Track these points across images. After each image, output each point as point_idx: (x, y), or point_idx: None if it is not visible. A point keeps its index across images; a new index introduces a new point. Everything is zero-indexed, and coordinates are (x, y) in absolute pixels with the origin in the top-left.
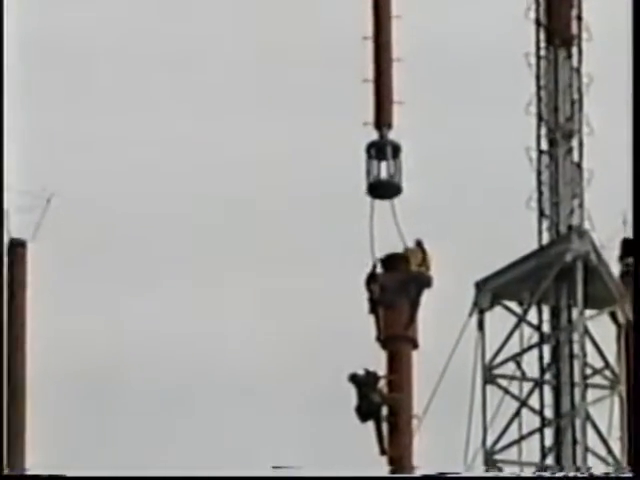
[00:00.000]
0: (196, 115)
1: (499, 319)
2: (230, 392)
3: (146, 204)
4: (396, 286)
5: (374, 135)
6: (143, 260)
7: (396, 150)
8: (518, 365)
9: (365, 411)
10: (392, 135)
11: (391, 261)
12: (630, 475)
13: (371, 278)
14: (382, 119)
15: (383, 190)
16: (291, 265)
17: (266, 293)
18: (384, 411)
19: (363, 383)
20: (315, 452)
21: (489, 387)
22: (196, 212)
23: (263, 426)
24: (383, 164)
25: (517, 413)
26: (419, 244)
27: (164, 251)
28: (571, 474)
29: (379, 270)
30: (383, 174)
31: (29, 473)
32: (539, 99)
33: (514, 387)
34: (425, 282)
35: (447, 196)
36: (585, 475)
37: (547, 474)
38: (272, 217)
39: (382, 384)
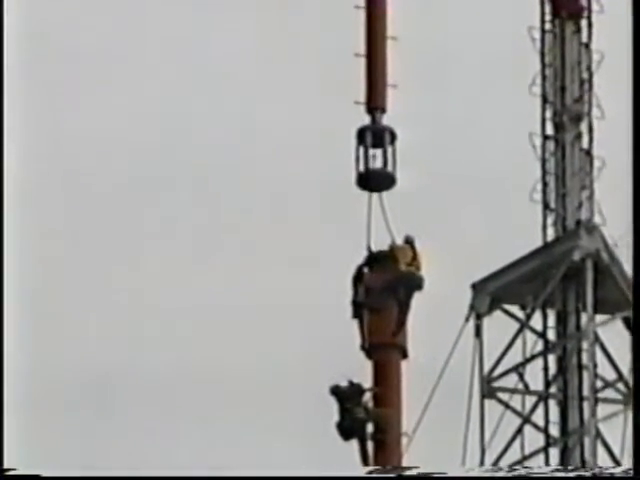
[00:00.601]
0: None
1: (499, 325)
2: (218, 394)
3: (138, 197)
4: (383, 288)
5: (365, 116)
6: (134, 259)
7: (392, 137)
8: (520, 377)
9: (348, 428)
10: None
11: (377, 260)
12: (630, 475)
13: (359, 277)
14: (375, 102)
15: (376, 181)
16: (277, 262)
17: (249, 292)
18: (369, 428)
19: (346, 396)
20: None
21: (488, 401)
22: (188, 201)
23: (253, 427)
24: (375, 152)
25: (519, 431)
26: (409, 241)
27: (155, 248)
28: (571, 474)
29: (365, 271)
30: (376, 163)
31: (29, 473)
32: (544, 78)
33: (516, 401)
34: (416, 283)
35: (440, 188)
36: (586, 475)
37: (546, 474)
38: (259, 209)
39: (367, 398)
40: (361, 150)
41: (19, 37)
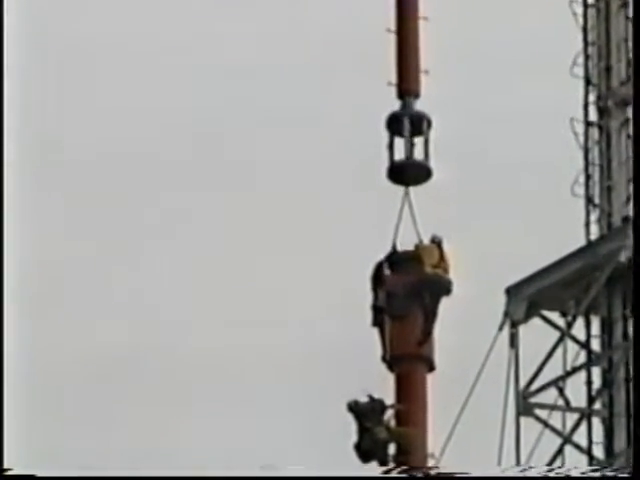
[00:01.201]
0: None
1: (536, 334)
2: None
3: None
4: (406, 292)
5: (392, 100)
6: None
7: (429, 125)
8: (560, 392)
9: (367, 449)
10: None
11: (400, 261)
12: (630, 475)
13: (379, 279)
14: (408, 86)
15: (411, 174)
16: (290, 261)
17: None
18: (391, 450)
19: (365, 414)
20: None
21: (524, 419)
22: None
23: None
24: (401, 141)
25: (559, 452)
26: (435, 241)
27: (160, 245)
28: (572, 474)
29: (386, 272)
30: (411, 154)
31: (29, 473)
32: (587, 58)
33: (555, 419)
34: (443, 287)
35: (473, 181)
36: (586, 475)
37: (549, 474)
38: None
39: (389, 415)
40: (390, 139)
41: (19, 36)
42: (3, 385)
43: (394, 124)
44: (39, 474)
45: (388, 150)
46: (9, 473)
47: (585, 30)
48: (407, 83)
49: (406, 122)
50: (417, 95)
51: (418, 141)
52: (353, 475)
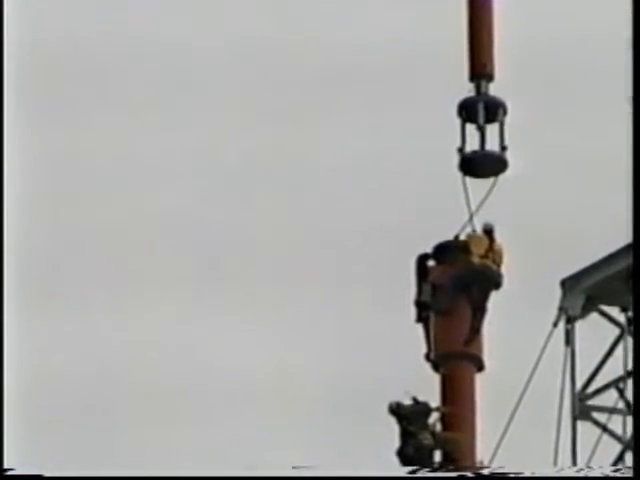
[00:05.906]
0: None
1: (595, 330)
2: (234, 394)
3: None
4: (453, 285)
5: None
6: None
7: (504, 113)
8: (621, 393)
9: (411, 456)
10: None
11: (446, 251)
12: (630, 475)
13: (422, 271)
14: (481, 68)
15: (488, 167)
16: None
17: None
18: (437, 456)
19: (409, 417)
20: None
21: (581, 423)
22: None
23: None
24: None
25: (619, 458)
26: (487, 229)
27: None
28: (572, 474)
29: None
30: (488, 145)
31: (31, 473)
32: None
33: (615, 423)
34: (492, 280)
35: (524, 166)
36: (586, 475)
37: (549, 474)
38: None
39: (434, 419)
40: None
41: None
42: (3, 385)
43: (468, 111)
44: (46, 474)
45: (461, 141)
46: (12, 473)
47: None
48: (480, 65)
49: (475, 109)
50: (491, 78)
51: (492, 129)
52: (362, 475)
